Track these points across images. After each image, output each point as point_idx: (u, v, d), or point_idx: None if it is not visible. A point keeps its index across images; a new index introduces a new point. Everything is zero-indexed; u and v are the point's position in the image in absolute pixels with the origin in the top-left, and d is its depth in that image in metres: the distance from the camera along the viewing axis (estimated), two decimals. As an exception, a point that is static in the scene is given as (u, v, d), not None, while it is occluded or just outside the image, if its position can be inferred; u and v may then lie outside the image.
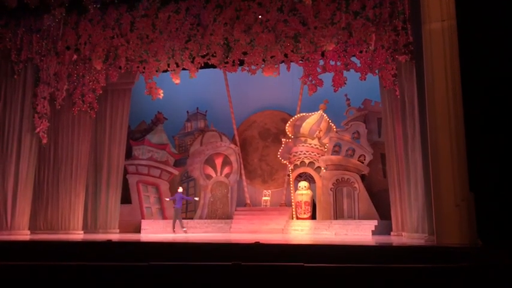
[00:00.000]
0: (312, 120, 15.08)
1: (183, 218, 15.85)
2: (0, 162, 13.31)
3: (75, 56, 13.52)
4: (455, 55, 8.08)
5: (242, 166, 16.25)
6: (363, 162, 14.43)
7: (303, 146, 15.05)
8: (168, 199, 15.49)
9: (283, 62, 12.84)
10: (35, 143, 13.66)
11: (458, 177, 7.77)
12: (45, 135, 13.70)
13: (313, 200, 14.90)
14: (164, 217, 15.84)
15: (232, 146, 16.19)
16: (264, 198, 15.95)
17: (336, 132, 14.84)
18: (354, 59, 12.57)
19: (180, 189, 14.90)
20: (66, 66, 13.70)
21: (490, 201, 7.45)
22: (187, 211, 16.27)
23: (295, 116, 15.40)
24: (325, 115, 15.05)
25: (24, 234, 13.05)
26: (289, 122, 15.45)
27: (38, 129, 13.57)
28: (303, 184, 14.94)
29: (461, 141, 7.84)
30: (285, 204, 15.61)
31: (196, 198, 15.55)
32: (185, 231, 14.06)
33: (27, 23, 13.53)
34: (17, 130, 13.50)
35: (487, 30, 7.76)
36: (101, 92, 14.27)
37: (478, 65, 7.82)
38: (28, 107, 13.61)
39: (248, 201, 16.15)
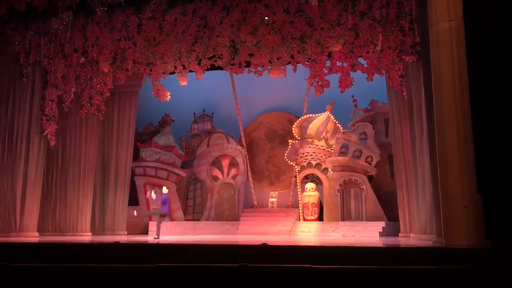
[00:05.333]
0: (319, 122, 15.05)
1: (191, 219, 15.91)
2: (9, 164, 13.39)
3: (82, 59, 13.57)
4: (462, 55, 8.04)
5: (249, 167, 16.25)
6: (370, 164, 14.39)
7: (309, 147, 15.02)
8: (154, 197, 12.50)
9: (289, 63, 12.81)
10: (43, 145, 13.75)
11: (466, 178, 7.72)
12: (53, 137, 13.79)
13: (321, 201, 14.86)
14: (172, 219, 15.87)
15: (239, 147, 16.19)
16: (270, 199, 15.94)
17: (343, 133, 14.79)
18: (360, 59, 12.51)
19: (165, 190, 12.82)
20: (74, 68, 13.77)
21: (498, 202, 7.40)
22: (195, 212, 16.31)
23: (302, 117, 15.38)
24: (332, 116, 15.01)
25: (33, 236, 13.11)
26: (295, 123, 15.43)
27: (46, 132, 13.66)
28: (310, 185, 14.91)
29: (469, 142, 7.80)
30: (292, 206, 15.59)
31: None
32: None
33: (36, 26, 13.58)
34: (26, 132, 13.59)
35: (494, 30, 7.72)
36: (108, 94, 14.33)
37: (486, 65, 7.77)
38: (36, 109, 13.70)
39: (255, 203, 16.14)
